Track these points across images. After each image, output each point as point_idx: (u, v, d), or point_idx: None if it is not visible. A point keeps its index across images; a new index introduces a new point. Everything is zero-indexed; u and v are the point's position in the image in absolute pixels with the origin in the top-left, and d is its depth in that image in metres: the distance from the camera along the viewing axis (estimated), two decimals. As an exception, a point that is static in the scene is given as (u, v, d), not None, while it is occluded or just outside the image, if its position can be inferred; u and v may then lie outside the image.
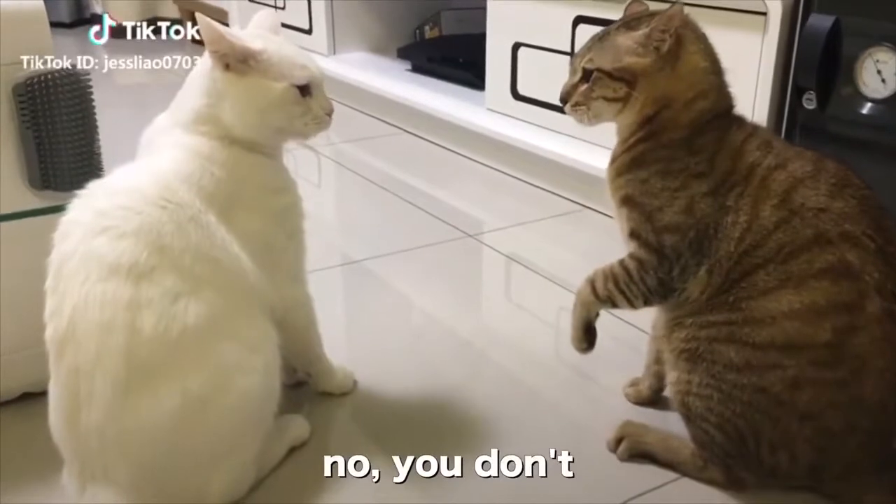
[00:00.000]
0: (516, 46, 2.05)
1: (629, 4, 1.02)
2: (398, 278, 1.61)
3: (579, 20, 1.84)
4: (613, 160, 1.02)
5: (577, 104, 1.01)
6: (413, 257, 1.69)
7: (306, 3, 2.87)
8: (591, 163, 1.81)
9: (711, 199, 0.94)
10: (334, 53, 2.86)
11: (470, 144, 2.21)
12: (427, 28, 2.87)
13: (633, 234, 0.99)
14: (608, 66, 0.97)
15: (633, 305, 1.01)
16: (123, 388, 0.85)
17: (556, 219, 1.88)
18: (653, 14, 0.97)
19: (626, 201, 0.99)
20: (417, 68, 2.66)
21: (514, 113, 2.10)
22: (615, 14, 1.72)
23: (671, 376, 1.00)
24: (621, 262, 1.01)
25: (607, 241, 1.72)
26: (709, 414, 0.95)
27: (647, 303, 1.01)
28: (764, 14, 1.43)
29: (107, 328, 0.84)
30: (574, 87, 1.01)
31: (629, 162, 0.99)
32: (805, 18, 1.34)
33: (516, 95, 2.09)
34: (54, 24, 1.02)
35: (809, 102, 1.35)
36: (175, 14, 3.92)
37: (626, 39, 0.96)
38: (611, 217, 1.75)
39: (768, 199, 0.92)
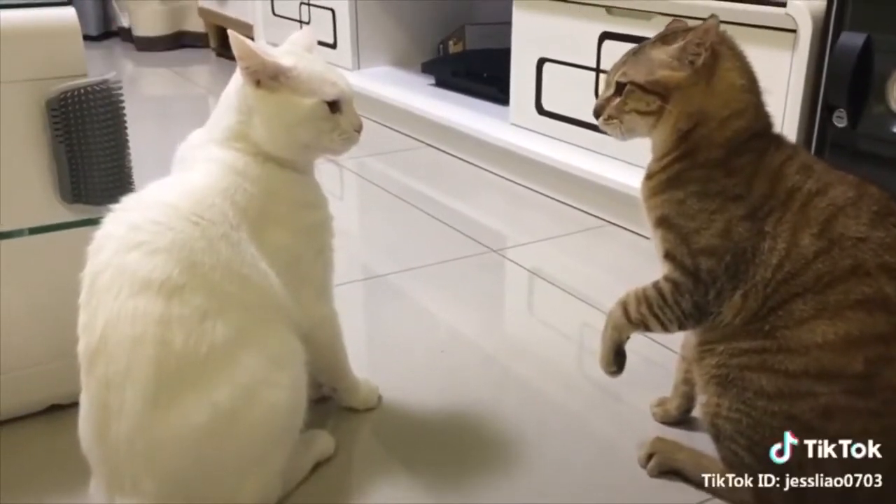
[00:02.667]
0: (541, 62, 2.05)
1: (670, 23, 1.02)
2: (421, 293, 1.61)
3: (605, 36, 1.84)
4: (649, 177, 1.01)
5: (609, 117, 1.00)
6: (436, 272, 1.69)
7: (331, 17, 2.89)
8: (615, 178, 1.81)
9: (749, 223, 0.93)
10: (358, 68, 2.87)
11: (493, 159, 2.21)
12: (451, 43, 2.88)
13: (669, 256, 0.98)
14: (641, 79, 0.96)
15: (666, 329, 0.99)
16: (153, 400, 0.85)
17: (579, 234, 1.87)
18: (689, 29, 0.96)
19: (662, 222, 0.98)
20: (441, 83, 2.66)
21: (538, 128, 2.10)
22: (642, 30, 1.73)
23: (700, 398, 0.99)
24: (655, 285, 0.99)
25: (631, 257, 1.73)
26: (738, 436, 0.94)
27: (681, 327, 0.99)
28: (794, 31, 1.42)
29: (138, 341, 0.85)
30: (607, 100, 1.00)
31: (665, 181, 0.98)
32: (836, 36, 1.32)
33: (541, 110, 2.09)
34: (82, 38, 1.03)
35: (840, 120, 1.34)
36: (201, 28, 3.96)
37: (661, 53, 0.96)
38: (635, 233, 1.79)
39: (808, 227, 0.90)
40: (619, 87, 0.98)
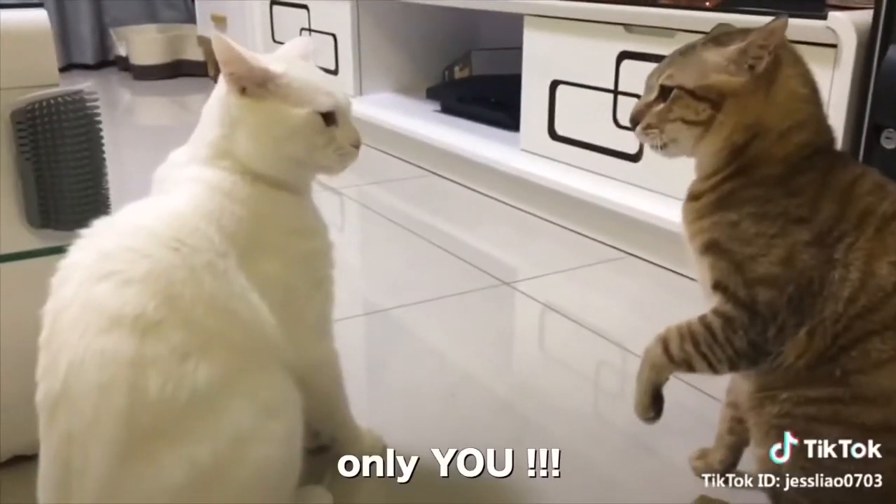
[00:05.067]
0: (554, 84, 1.96)
1: (717, 26, 0.91)
2: (428, 329, 1.51)
3: (624, 56, 1.75)
4: (694, 197, 0.89)
5: (649, 126, 0.88)
6: (444, 306, 1.59)
7: (332, 43, 2.82)
8: (634, 206, 1.72)
9: (815, 250, 0.81)
10: (361, 94, 2.80)
11: (503, 187, 2.12)
12: (457, 68, 2.81)
13: (719, 286, 0.86)
14: (691, 83, 0.85)
15: (714, 370, 0.87)
16: (122, 458, 0.74)
17: (595, 266, 1.77)
18: (746, 31, 0.85)
19: (711, 247, 0.86)
20: (447, 109, 2.59)
21: (551, 154, 2.01)
22: (664, 48, 1.61)
23: (757, 452, 0.87)
24: (702, 319, 0.87)
25: (653, 291, 1.63)
26: (802, 499, 0.82)
27: (732, 367, 0.87)
28: (834, 46, 1.33)
29: (106, 389, 0.74)
30: (648, 106, 0.89)
31: (715, 202, 0.86)
32: (883, 50, 1.23)
33: (554, 135, 1.99)
34: (79, 66, 0.96)
35: (889, 142, 1.24)
36: (199, 56, 3.90)
37: (715, 55, 0.85)
38: (656, 264, 1.69)
39: (885, 255, 0.79)
40: (664, 92, 0.87)
